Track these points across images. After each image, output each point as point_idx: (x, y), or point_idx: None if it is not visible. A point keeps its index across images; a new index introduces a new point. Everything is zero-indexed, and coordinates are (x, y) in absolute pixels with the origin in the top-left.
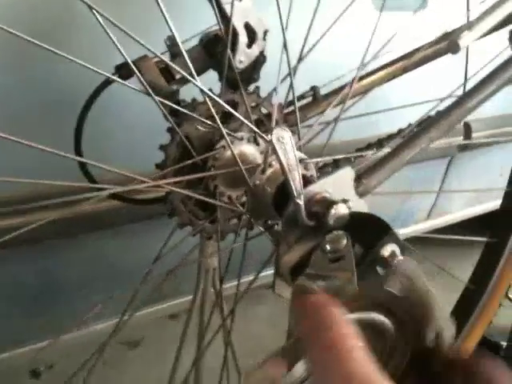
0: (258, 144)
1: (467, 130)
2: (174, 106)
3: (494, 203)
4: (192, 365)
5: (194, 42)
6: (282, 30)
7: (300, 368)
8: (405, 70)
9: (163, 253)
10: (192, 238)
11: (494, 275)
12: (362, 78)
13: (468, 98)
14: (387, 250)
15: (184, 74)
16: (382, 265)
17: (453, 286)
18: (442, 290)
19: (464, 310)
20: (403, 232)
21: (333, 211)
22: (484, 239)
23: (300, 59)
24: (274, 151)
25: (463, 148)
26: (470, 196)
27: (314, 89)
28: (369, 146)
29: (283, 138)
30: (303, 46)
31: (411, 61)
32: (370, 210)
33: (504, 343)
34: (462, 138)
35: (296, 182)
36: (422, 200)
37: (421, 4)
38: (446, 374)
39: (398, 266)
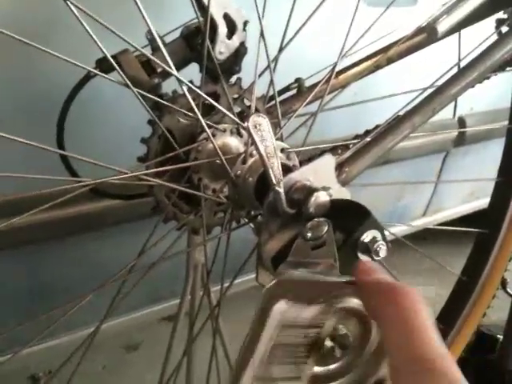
0: (241, 136)
1: (462, 125)
2: (153, 97)
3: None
4: (183, 354)
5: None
6: (259, 18)
7: (309, 313)
8: (388, 61)
9: (148, 247)
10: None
11: (487, 267)
12: (345, 70)
13: (450, 84)
14: (368, 235)
15: (164, 66)
16: (363, 250)
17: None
18: (439, 286)
19: (457, 302)
20: (400, 229)
21: (313, 198)
22: (475, 230)
23: (281, 49)
24: (251, 137)
25: (458, 143)
26: (466, 192)
27: (298, 81)
28: (356, 137)
29: (260, 125)
30: (284, 36)
31: (393, 52)
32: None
33: (501, 336)
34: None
35: (275, 170)
36: (418, 197)
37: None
38: None
39: None
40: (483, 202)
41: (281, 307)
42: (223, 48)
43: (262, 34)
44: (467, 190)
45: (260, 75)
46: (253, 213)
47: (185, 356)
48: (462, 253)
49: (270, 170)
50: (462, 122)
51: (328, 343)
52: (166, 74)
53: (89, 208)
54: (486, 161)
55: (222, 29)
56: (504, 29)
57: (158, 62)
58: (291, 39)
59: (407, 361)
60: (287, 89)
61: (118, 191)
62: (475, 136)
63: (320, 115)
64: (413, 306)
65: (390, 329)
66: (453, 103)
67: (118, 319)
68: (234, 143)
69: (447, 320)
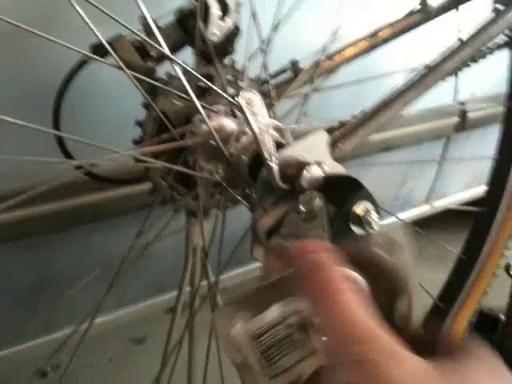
0: (236, 117)
1: (463, 110)
2: (147, 79)
3: None
4: (184, 329)
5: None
6: None
7: (272, 313)
8: (384, 41)
9: (145, 228)
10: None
11: (486, 245)
12: (341, 51)
13: (443, 61)
14: (360, 207)
15: (157, 47)
16: (355, 222)
17: None
18: (444, 271)
19: (457, 281)
20: (403, 216)
21: (306, 173)
22: (474, 208)
23: (274, 29)
24: (242, 112)
25: (459, 129)
26: (469, 179)
27: (293, 63)
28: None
29: (252, 101)
30: (276, 15)
31: (388, 32)
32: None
33: (503, 317)
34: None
35: (267, 144)
36: (420, 184)
37: None
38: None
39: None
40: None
41: (237, 331)
42: (216, 29)
43: (253, 15)
44: (470, 177)
45: (252, 57)
46: (247, 191)
47: (186, 330)
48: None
49: (262, 144)
50: (462, 108)
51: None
52: (160, 59)
53: (91, 199)
54: (487, 146)
55: (215, 10)
56: (500, 6)
57: (151, 43)
58: (284, 19)
59: (340, 342)
60: (282, 71)
61: (114, 176)
62: (476, 121)
63: (320, 97)
64: (335, 282)
65: (316, 309)
66: (453, 89)
67: (124, 310)
68: (229, 124)
69: (448, 299)
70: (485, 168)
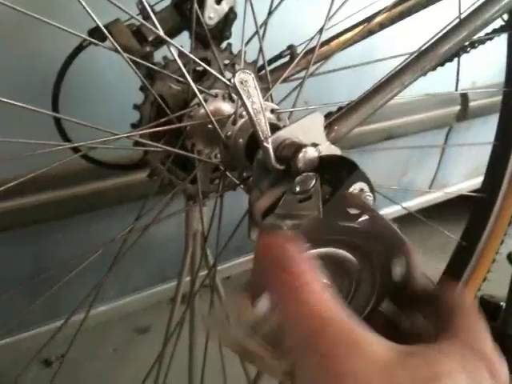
0: (233, 101)
1: (464, 99)
2: (144, 63)
3: None
4: (185, 308)
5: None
6: None
7: (263, 303)
8: (381, 27)
9: (143, 212)
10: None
11: (485, 231)
12: (338, 36)
13: (438, 44)
14: (355, 187)
15: (154, 29)
16: None
17: None
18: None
19: (457, 267)
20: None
21: (301, 154)
22: (473, 194)
23: (270, 13)
24: (237, 93)
25: (461, 118)
26: (471, 168)
27: (290, 48)
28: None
29: (247, 82)
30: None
31: (386, 17)
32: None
33: (503, 304)
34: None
35: (262, 125)
36: (422, 173)
37: None
38: (413, 306)
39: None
40: None
41: (234, 332)
42: (212, 13)
43: None
44: (472, 166)
45: (249, 41)
46: (245, 174)
47: (187, 309)
48: None
49: (257, 125)
50: (464, 97)
51: None
52: (157, 43)
53: (91, 188)
54: (488, 135)
55: None
56: None
57: (147, 25)
58: (280, 3)
59: (301, 338)
60: (280, 56)
61: (112, 160)
62: (478, 110)
63: (320, 83)
64: (295, 264)
65: (276, 292)
66: (455, 78)
67: (127, 299)
68: (226, 108)
69: None
70: (486, 158)
